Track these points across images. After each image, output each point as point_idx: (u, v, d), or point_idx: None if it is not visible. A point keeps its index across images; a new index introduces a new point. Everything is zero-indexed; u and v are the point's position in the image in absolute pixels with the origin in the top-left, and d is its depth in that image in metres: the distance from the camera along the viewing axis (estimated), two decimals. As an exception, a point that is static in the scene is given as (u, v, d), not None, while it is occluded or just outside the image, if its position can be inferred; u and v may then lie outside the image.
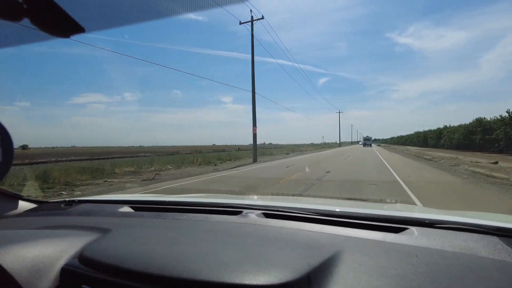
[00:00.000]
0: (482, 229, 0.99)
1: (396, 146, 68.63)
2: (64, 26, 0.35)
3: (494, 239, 0.94)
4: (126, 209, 1.43)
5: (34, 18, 0.33)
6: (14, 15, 0.32)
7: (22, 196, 1.51)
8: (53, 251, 0.87)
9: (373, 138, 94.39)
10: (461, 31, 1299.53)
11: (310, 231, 1.04)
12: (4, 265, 0.76)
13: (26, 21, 0.33)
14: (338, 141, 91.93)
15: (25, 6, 0.31)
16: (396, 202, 2.56)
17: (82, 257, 0.85)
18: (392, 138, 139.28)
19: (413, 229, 1.02)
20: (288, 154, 31.93)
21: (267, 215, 1.23)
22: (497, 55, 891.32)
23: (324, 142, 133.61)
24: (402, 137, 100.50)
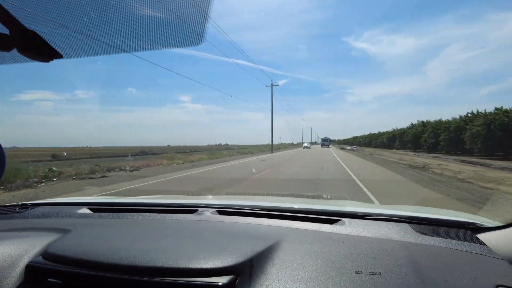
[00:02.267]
0: (397, 218, 1.23)
1: (369, 149, 53.77)
2: (48, 54, 0.44)
3: (406, 226, 1.17)
4: (84, 210, 1.47)
5: (22, 49, 0.41)
6: (6, 48, 0.40)
7: None
8: (14, 251, 0.93)
9: (330, 139, 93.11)
10: (411, 38, 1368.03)
11: (258, 224, 1.20)
12: None
13: (15, 51, 0.41)
14: (294, 141, 72.78)
15: (16, 42, 0.39)
16: (331, 198, 3.78)
17: (46, 254, 0.92)
18: (355, 138, 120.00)
19: (345, 220, 1.23)
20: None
21: (221, 212, 1.37)
22: (441, 63, 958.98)
23: (281, 143, 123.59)
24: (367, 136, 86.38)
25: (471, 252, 0.97)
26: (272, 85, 44.42)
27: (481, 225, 1.15)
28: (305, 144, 67.01)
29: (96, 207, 1.50)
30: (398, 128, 52.33)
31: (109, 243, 0.96)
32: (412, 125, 44.14)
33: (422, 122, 39.74)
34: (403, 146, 44.76)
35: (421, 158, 22.40)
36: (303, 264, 0.85)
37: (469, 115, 27.23)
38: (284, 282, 0.79)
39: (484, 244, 1.03)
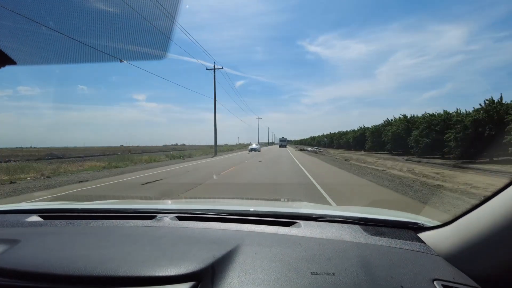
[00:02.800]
0: (349, 220, 1.26)
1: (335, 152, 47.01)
2: None
3: (356, 227, 1.20)
4: (35, 218, 1.37)
5: None
6: None
7: None
8: None
9: (287, 139, 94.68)
10: (362, 44, 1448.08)
11: (218, 229, 1.19)
12: None
13: None
14: (252, 141, 56.28)
15: None
16: (288, 201, 3.93)
17: None
18: (313, 138, 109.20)
19: (301, 222, 1.24)
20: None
21: (180, 218, 1.31)
22: (389, 68, 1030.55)
23: (239, 143, 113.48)
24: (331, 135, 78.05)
25: (413, 250, 1.03)
26: (214, 68, 33.36)
27: (422, 224, 1.20)
28: (253, 146, 43.91)
29: (48, 214, 1.41)
30: (368, 126, 44.25)
31: (64, 252, 0.93)
32: (389, 121, 35.89)
33: (405, 116, 31.50)
34: (378, 148, 36.53)
35: (445, 171, 13.09)
36: (263, 267, 0.88)
37: (487, 103, 18.79)
38: (245, 285, 0.81)
39: (424, 242, 1.09)
